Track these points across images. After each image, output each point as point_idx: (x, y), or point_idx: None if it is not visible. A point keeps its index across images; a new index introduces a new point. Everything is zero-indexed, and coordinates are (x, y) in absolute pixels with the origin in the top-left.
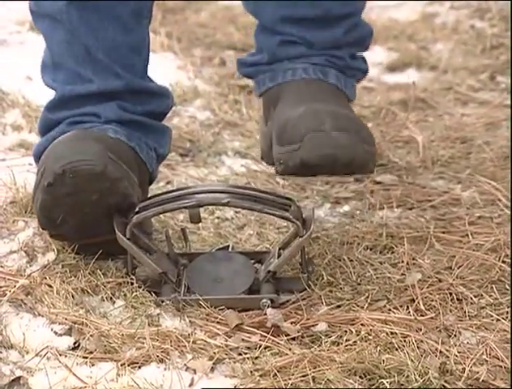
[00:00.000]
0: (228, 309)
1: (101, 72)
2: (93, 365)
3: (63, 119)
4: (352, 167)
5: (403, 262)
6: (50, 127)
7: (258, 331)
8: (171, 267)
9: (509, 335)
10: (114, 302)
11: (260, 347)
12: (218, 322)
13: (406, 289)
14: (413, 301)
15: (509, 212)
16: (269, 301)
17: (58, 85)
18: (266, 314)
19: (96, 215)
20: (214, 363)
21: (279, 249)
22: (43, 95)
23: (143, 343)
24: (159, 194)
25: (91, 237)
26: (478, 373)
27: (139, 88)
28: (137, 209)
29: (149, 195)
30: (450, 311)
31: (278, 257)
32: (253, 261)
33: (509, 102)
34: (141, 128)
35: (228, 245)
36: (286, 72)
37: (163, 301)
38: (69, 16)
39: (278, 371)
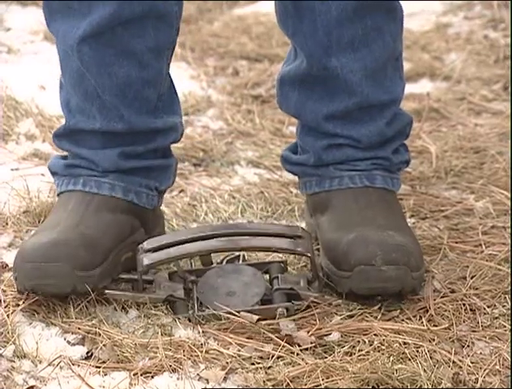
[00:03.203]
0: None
1: (106, 112)
2: (106, 374)
3: (66, 150)
4: (399, 295)
5: None
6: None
7: (271, 341)
8: (175, 286)
9: None
10: (127, 312)
11: (273, 357)
12: (231, 332)
13: (419, 299)
14: (426, 311)
15: None
16: (285, 310)
17: (67, 114)
18: (279, 324)
19: None
20: (227, 373)
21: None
22: (56, 104)
23: (156, 352)
24: (167, 234)
25: None
26: (491, 383)
27: (143, 129)
28: (142, 254)
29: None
30: (463, 321)
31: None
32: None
33: None
34: (141, 172)
35: (238, 256)
36: (333, 180)
37: (179, 319)
38: (80, 55)
39: (291, 381)
